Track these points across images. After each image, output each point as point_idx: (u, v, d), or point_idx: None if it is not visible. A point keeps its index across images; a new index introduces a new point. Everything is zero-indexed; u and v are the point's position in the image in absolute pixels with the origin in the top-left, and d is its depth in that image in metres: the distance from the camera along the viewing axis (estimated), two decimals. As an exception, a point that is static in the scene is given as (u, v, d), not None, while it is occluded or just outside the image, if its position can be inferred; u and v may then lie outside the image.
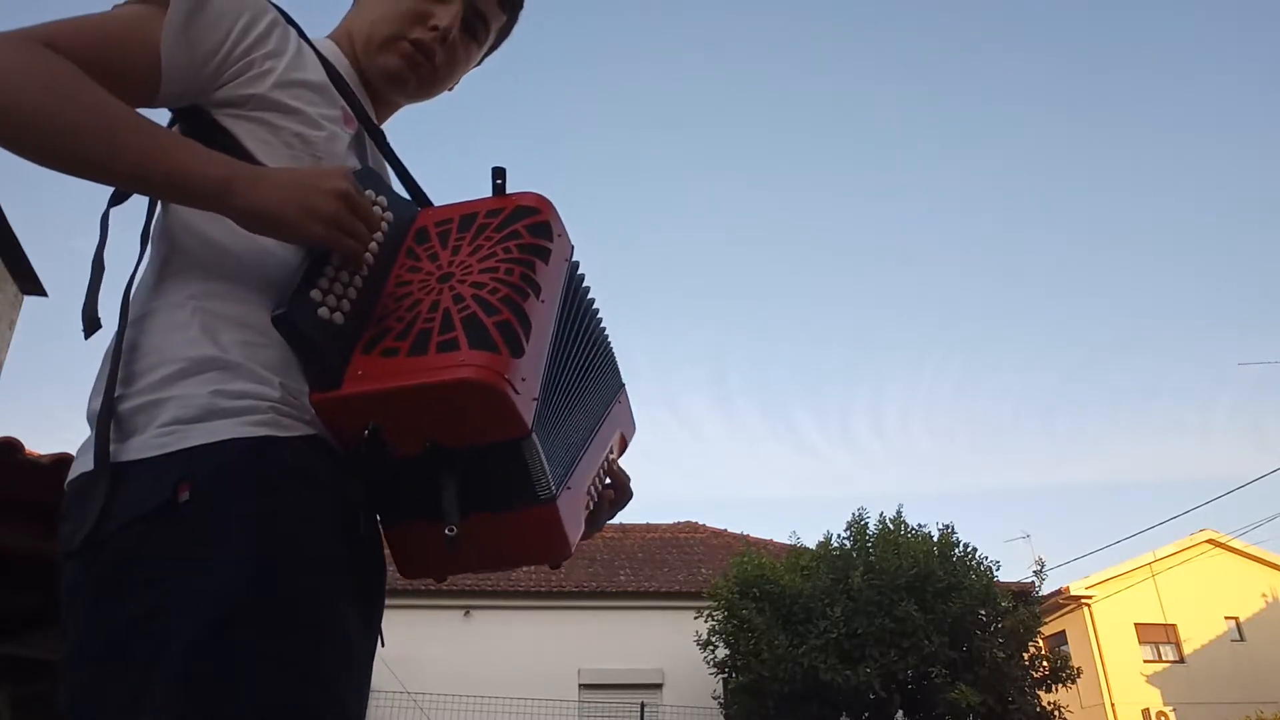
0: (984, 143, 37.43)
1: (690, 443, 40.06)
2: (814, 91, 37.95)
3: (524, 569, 16.25)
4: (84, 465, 0.89)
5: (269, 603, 0.80)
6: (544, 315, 0.98)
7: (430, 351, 0.88)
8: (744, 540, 16.62)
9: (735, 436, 40.82)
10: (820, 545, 13.23)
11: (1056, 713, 12.08)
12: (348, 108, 1.12)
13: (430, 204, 1.19)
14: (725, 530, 19.22)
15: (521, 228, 1.02)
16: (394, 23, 1.18)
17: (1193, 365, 39.30)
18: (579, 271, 1.14)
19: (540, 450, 0.93)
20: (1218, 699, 18.27)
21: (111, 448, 0.87)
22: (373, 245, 0.99)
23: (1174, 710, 18.87)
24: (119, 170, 0.88)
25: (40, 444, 3.24)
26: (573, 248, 1.12)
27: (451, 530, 0.89)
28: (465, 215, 1.06)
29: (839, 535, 13.29)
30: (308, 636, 0.82)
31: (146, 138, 0.89)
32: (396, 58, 1.18)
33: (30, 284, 11.69)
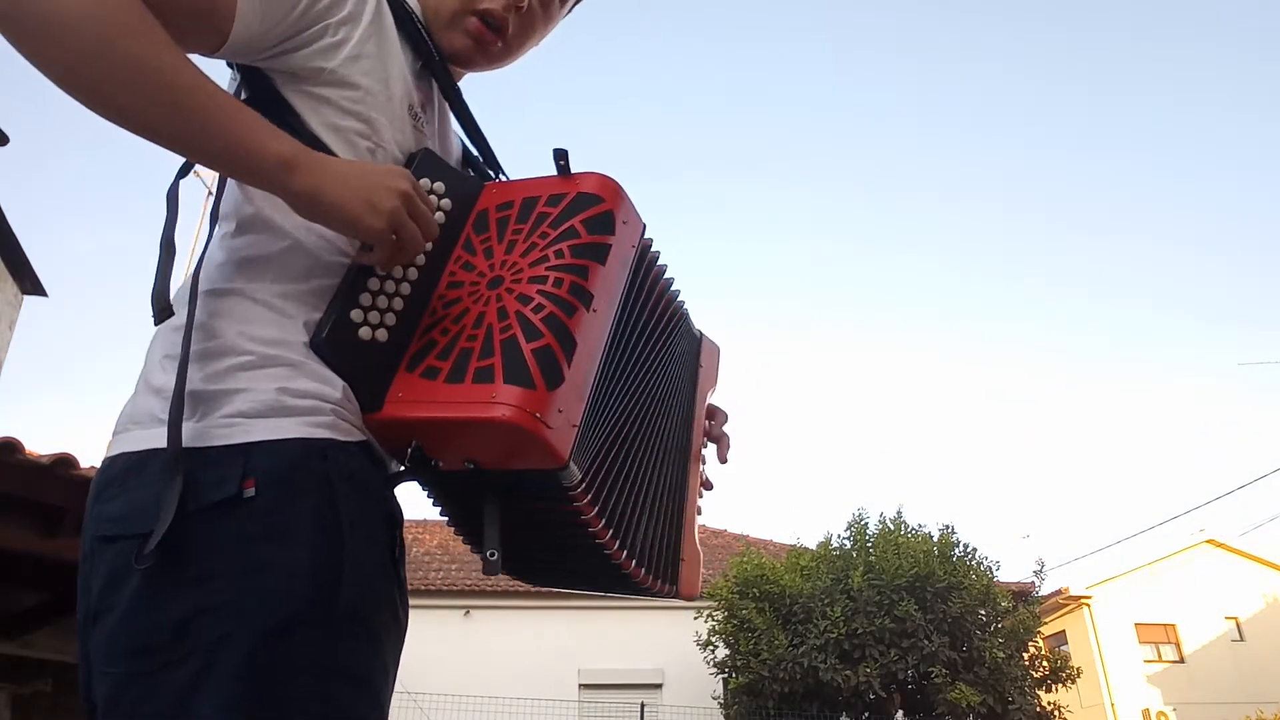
0: (984, 141, 37.43)
1: (690, 443, 39.96)
2: (813, 86, 37.97)
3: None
4: (132, 444, 0.86)
5: (330, 610, 0.80)
6: (596, 327, 0.94)
7: (466, 379, 0.86)
8: (744, 540, 16.62)
9: (734, 436, 40.73)
10: (820, 545, 13.23)
11: (1056, 713, 12.07)
12: (417, 78, 1.06)
13: (498, 167, 1.14)
14: (725, 530, 19.21)
15: (579, 224, 0.96)
16: None
17: (1193, 365, 39.31)
18: (652, 250, 1.10)
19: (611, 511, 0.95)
20: (1218, 699, 18.26)
21: (161, 430, 0.83)
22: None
23: (1174, 710, 18.85)
24: (178, 134, 0.83)
25: (40, 444, 3.24)
26: (644, 227, 1.06)
27: (493, 555, 0.90)
28: (527, 199, 1.01)
29: (839, 535, 13.32)
30: (363, 647, 0.82)
31: (212, 104, 0.83)
32: (462, 36, 1.11)
33: (30, 284, 11.69)
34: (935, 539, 12.58)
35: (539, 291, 0.91)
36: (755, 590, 12.37)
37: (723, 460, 1.28)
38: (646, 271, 1.09)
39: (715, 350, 1.29)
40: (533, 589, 16.11)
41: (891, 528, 12.90)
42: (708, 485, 1.24)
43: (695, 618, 13.38)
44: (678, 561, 1.10)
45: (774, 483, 42.19)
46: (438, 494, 1.02)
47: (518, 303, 0.90)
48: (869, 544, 12.71)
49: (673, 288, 1.17)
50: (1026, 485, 42.83)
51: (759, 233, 38.46)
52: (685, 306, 1.20)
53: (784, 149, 38.24)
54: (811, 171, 38.05)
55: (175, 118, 0.82)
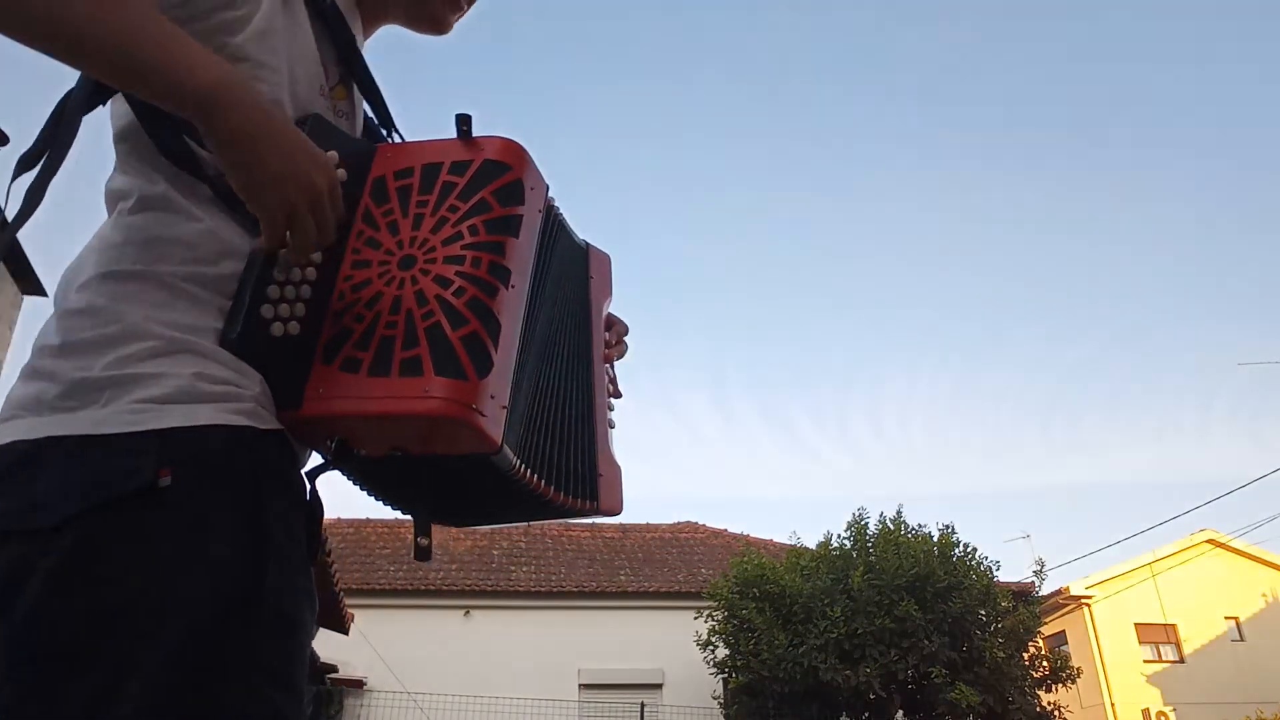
0: (982, 142, 37.45)
1: (689, 443, 40.05)
2: (812, 90, 38.01)
3: (523, 570, 16.35)
4: (22, 432, 0.79)
5: (256, 607, 0.76)
6: (515, 303, 0.92)
7: (393, 372, 0.83)
8: (744, 540, 16.65)
9: (734, 436, 40.86)
10: (820, 545, 13.25)
11: (1056, 713, 12.08)
12: (325, 49, 1.01)
13: (393, 126, 1.10)
14: (725, 530, 19.23)
15: (490, 196, 0.93)
16: None
17: (1193, 365, 39.33)
18: (554, 210, 1.08)
19: (515, 459, 0.92)
20: (1218, 699, 18.27)
21: (58, 417, 0.77)
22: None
23: (1174, 710, 18.86)
24: (94, 44, 0.75)
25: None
26: (547, 188, 1.03)
27: (424, 541, 0.91)
28: (428, 166, 0.95)
29: (839, 535, 13.33)
30: (287, 644, 0.78)
31: (140, 11, 0.76)
32: (446, 7, 1.14)
33: (30, 284, 11.69)
34: (935, 539, 12.59)
35: (457, 273, 0.88)
36: (755, 590, 12.38)
37: (609, 361, 1.25)
38: (551, 231, 1.07)
39: (606, 259, 1.25)
40: (532, 588, 16.12)
41: (891, 528, 12.91)
42: (617, 394, 1.22)
43: (695, 618, 13.39)
44: (596, 478, 1.09)
45: (774, 483, 42.24)
46: (359, 478, 1.00)
47: (436, 285, 0.87)
48: (869, 544, 12.72)
49: (558, 210, 1.12)
50: (1026, 485, 42.88)
51: (752, 226, 38.55)
52: (564, 216, 1.14)
53: (796, 135, 38.29)
54: (810, 164, 38.10)
55: (108, 20, 0.75)
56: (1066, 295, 37.14)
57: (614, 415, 1.17)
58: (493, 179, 0.94)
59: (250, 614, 0.75)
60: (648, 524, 19.57)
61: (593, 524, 19.34)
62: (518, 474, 0.93)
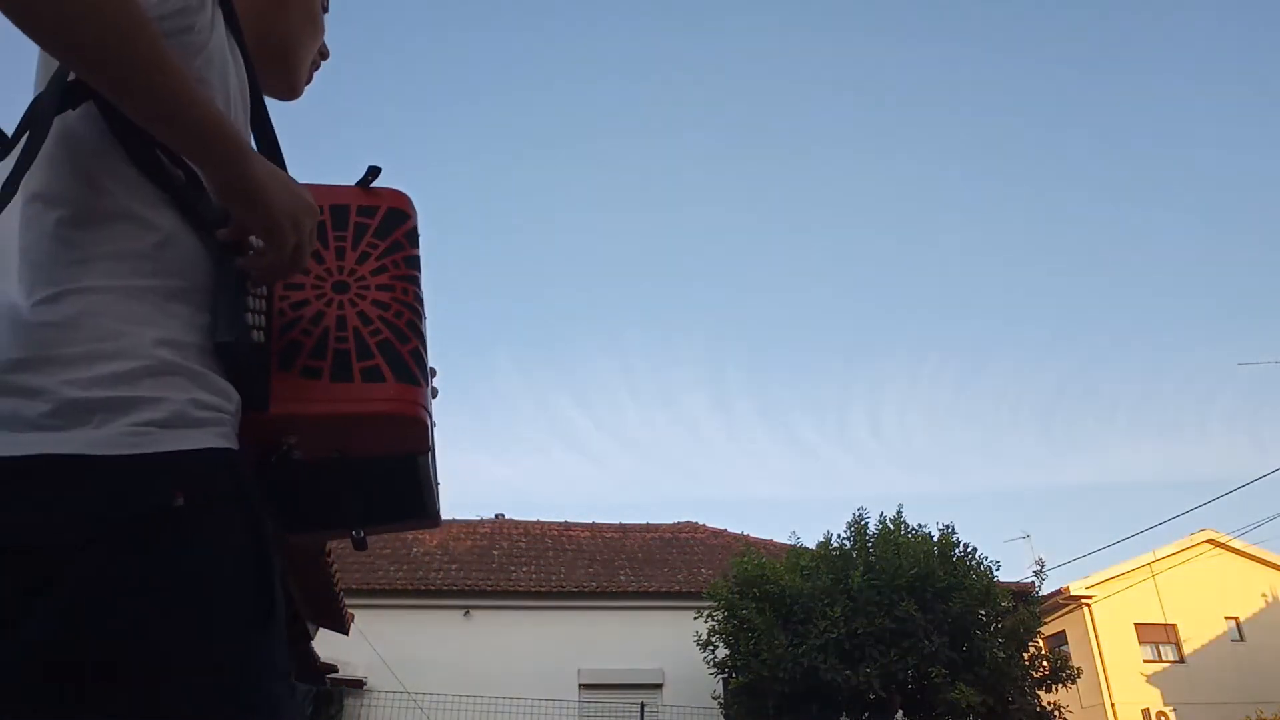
0: (981, 143, 37.46)
1: (689, 443, 40.07)
2: (811, 91, 37.99)
3: (523, 570, 16.35)
4: (31, 446, 0.76)
5: (268, 612, 0.82)
6: (426, 327, 1.06)
7: (355, 379, 0.96)
8: (744, 540, 16.65)
9: (735, 437, 40.86)
10: (820, 545, 13.24)
11: (1056, 713, 12.08)
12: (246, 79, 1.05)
13: (284, 168, 1.14)
14: (725, 530, 19.24)
15: (402, 238, 1.08)
16: (315, 44, 1.21)
17: (1193, 365, 39.33)
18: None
19: (431, 464, 1.07)
20: (1218, 699, 18.27)
21: (42, 435, 0.76)
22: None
23: (1174, 710, 18.86)
24: (161, 97, 0.80)
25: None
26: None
27: (359, 533, 1.03)
28: (336, 207, 1.07)
29: (839, 535, 13.33)
30: (284, 644, 0.85)
31: (181, 71, 0.81)
32: (309, 77, 1.24)
33: None
34: (935, 539, 12.59)
35: (393, 298, 1.02)
36: (755, 590, 12.37)
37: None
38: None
39: None
40: (532, 588, 16.14)
41: (891, 528, 12.91)
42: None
43: (695, 618, 13.39)
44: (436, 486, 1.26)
45: (774, 483, 42.22)
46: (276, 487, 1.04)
47: (377, 309, 1.01)
48: (869, 544, 12.72)
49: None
50: (1026, 485, 42.87)
51: (752, 226, 38.51)
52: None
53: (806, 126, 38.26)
54: (810, 163, 38.06)
55: (160, 77, 0.79)
56: (1067, 295, 37.15)
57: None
58: (400, 224, 1.09)
59: (263, 619, 0.82)
60: (648, 524, 19.58)
61: (593, 524, 19.35)
62: (426, 473, 1.06)
